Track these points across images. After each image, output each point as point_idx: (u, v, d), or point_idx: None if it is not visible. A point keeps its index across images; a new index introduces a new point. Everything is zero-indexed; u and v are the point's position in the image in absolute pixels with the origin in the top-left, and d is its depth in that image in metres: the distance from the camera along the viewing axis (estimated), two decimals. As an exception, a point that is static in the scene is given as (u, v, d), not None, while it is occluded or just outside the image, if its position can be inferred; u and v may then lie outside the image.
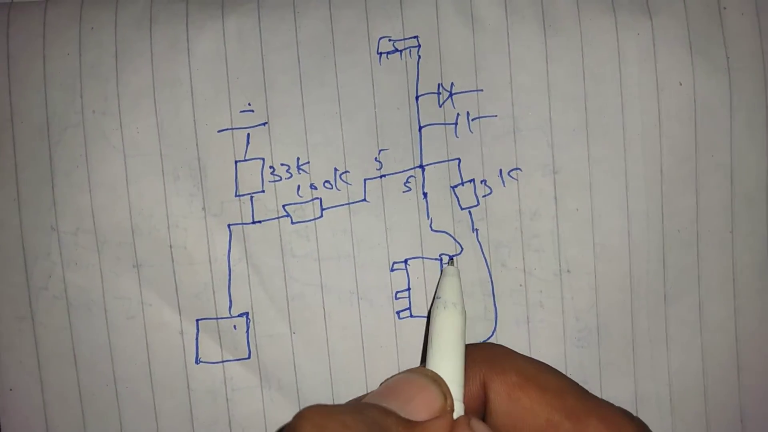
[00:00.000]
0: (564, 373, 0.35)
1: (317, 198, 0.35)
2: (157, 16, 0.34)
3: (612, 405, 0.25)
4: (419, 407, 0.23)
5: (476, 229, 0.35)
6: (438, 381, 0.24)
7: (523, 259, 0.35)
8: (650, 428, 0.25)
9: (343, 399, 0.35)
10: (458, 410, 0.25)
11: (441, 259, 0.35)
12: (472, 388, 0.26)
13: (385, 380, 0.25)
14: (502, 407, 0.25)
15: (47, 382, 0.35)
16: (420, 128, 0.35)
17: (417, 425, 0.22)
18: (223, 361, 0.35)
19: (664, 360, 0.35)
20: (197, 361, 0.35)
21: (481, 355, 0.26)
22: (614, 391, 0.35)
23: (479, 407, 0.26)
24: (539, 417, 0.24)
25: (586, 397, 0.25)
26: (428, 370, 0.25)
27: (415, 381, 0.24)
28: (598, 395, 0.34)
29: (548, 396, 0.25)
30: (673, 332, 0.35)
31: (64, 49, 0.34)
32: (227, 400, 0.35)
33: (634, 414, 0.26)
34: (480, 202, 0.35)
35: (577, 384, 0.26)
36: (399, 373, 0.25)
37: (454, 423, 0.23)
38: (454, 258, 0.35)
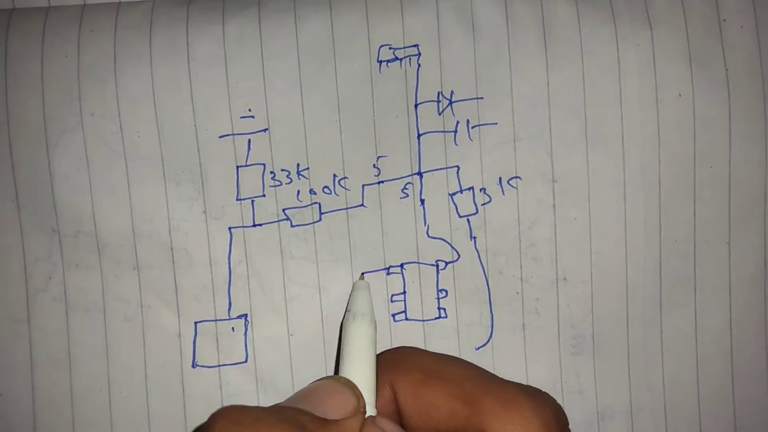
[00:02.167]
0: (558, 379, 0.35)
1: (316, 203, 0.35)
2: (157, 19, 0.35)
3: (514, 383, 0.25)
4: (333, 408, 0.23)
5: (474, 237, 0.35)
6: (350, 385, 0.25)
7: (521, 267, 0.35)
8: (556, 402, 0.25)
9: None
10: (370, 414, 0.25)
11: (437, 265, 0.35)
12: (384, 394, 0.26)
13: (304, 387, 0.25)
14: (409, 406, 0.25)
15: (38, 387, 0.35)
16: (419, 136, 0.35)
17: (330, 423, 0.22)
18: (219, 365, 0.35)
19: (658, 369, 0.35)
20: (194, 365, 0.35)
21: (388, 360, 0.27)
22: (609, 399, 0.35)
23: (393, 412, 0.26)
24: (441, 408, 0.25)
25: (487, 381, 0.25)
26: (341, 376, 0.26)
27: (329, 385, 0.25)
28: (593, 404, 0.35)
29: (448, 386, 0.25)
30: (668, 342, 0.35)
31: (63, 51, 0.34)
32: (223, 405, 0.35)
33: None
34: (479, 210, 0.35)
35: (485, 371, 0.26)
36: (315, 381, 0.25)
37: (364, 421, 0.24)
38: (366, 275, 0.35)
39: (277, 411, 0.22)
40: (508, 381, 0.25)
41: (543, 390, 0.25)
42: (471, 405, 0.24)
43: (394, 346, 0.28)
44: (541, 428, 0.23)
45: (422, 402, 0.25)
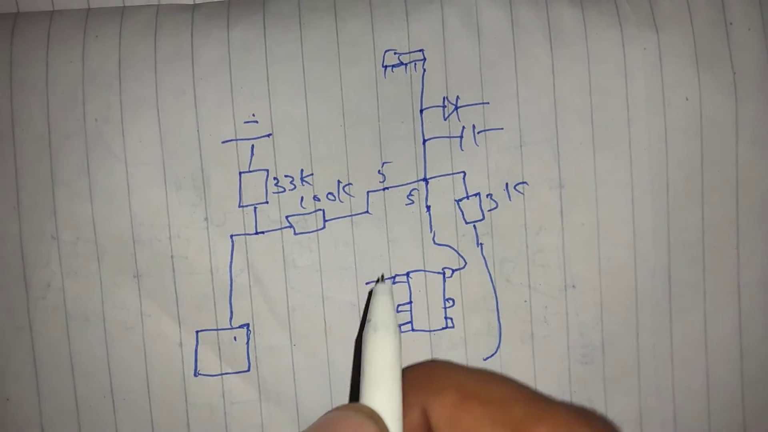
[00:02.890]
0: (567, 389, 0.34)
1: (320, 209, 0.34)
2: (162, 25, 0.34)
3: (567, 406, 0.23)
4: None
5: (481, 244, 0.35)
6: (374, 417, 0.22)
7: (528, 274, 0.35)
8: (613, 425, 0.22)
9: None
10: None
11: (444, 273, 0.35)
12: (413, 418, 0.23)
13: (320, 417, 0.23)
14: None
15: (44, 393, 0.34)
16: (424, 141, 0.35)
17: None
18: (222, 374, 0.34)
19: (668, 377, 0.35)
20: (196, 373, 0.34)
21: (417, 378, 0.24)
22: (618, 407, 0.35)
23: None
24: None
25: (536, 403, 0.22)
26: (363, 405, 0.23)
27: (350, 419, 0.22)
28: (603, 412, 0.34)
29: (491, 410, 0.22)
30: (677, 349, 0.35)
31: (67, 57, 0.34)
32: (225, 413, 0.34)
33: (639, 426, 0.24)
34: (485, 216, 0.35)
35: (529, 389, 0.23)
36: (332, 410, 0.23)
37: None
38: (387, 279, 0.33)
39: None
40: (557, 402, 0.23)
41: (596, 412, 0.23)
42: None
43: (423, 360, 0.25)
44: None
45: (461, 428, 0.22)
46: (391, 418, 0.22)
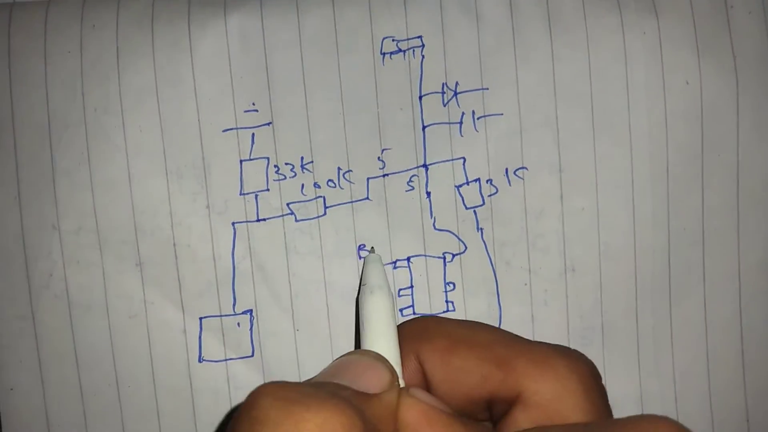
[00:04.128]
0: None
1: (321, 196, 0.35)
2: (158, 14, 0.34)
3: (544, 343, 0.25)
4: (369, 383, 0.22)
5: (481, 228, 0.35)
6: (381, 358, 0.24)
7: (528, 258, 0.35)
8: (588, 359, 0.25)
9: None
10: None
11: (444, 257, 0.35)
12: (409, 365, 0.26)
13: (330, 363, 0.25)
14: (437, 375, 0.25)
15: (48, 382, 0.34)
16: (423, 128, 0.35)
17: (372, 397, 0.22)
18: (226, 360, 0.35)
19: (668, 359, 0.35)
20: (200, 359, 0.35)
21: (411, 330, 0.26)
22: (619, 390, 0.35)
23: (420, 382, 0.26)
24: (472, 374, 0.24)
25: (517, 343, 0.25)
26: (369, 350, 0.25)
27: (362, 360, 0.24)
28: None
29: (477, 351, 0.24)
30: (677, 331, 0.35)
31: (66, 48, 0.34)
32: (230, 398, 0.35)
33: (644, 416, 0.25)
34: (485, 201, 0.35)
35: (511, 333, 0.26)
36: (341, 356, 0.25)
37: (400, 393, 0.23)
38: (376, 251, 0.34)
39: (320, 386, 0.22)
40: (538, 342, 0.25)
41: (573, 348, 0.25)
42: (504, 367, 0.24)
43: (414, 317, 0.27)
44: (577, 384, 0.23)
45: (451, 369, 0.25)
46: (391, 362, 0.24)
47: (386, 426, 0.22)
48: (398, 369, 0.25)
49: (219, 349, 0.35)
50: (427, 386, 0.25)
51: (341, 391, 0.21)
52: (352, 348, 0.35)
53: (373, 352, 0.25)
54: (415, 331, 0.26)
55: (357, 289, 0.35)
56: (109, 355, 0.34)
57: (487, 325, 0.26)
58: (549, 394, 0.23)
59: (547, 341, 0.34)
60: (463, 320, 0.27)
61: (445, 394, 0.25)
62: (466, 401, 0.25)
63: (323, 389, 0.21)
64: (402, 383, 0.25)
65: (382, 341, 0.26)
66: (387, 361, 0.24)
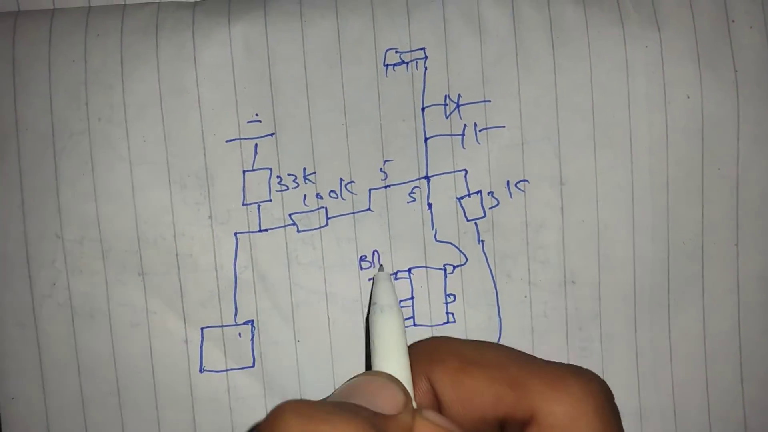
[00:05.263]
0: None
1: (323, 207, 0.35)
2: (163, 23, 0.34)
3: (557, 363, 0.25)
4: (384, 404, 0.23)
5: (482, 240, 0.35)
6: (394, 380, 0.24)
7: (528, 270, 0.35)
8: (601, 379, 0.25)
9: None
10: None
11: (445, 269, 0.35)
12: (421, 386, 0.26)
13: (345, 382, 0.25)
14: (449, 396, 0.25)
15: (50, 391, 0.35)
16: (426, 139, 0.35)
17: (389, 418, 0.22)
18: (227, 370, 0.35)
19: (667, 371, 0.35)
20: (201, 369, 0.35)
21: (422, 351, 0.27)
22: (618, 400, 0.35)
23: (432, 403, 0.26)
24: (485, 394, 0.24)
25: (530, 363, 0.25)
26: (382, 372, 0.25)
27: (375, 380, 0.24)
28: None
29: (490, 371, 0.25)
30: (676, 343, 0.35)
31: (70, 56, 0.34)
32: (230, 409, 0.35)
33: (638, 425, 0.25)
34: (486, 213, 0.35)
35: (523, 353, 0.26)
36: (357, 375, 0.25)
37: (413, 415, 0.23)
38: (388, 271, 0.35)
39: (341, 405, 0.22)
40: (550, 361, 0.25)
41: (585, 368, 0.25)
42: (517, 388, 0.24)
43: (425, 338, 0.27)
44: (591, 405, 0.23)
45: (463, 390, 0.25)
46: (403, 382, 0.25)
47: None
48: (410, 389, 0.25)
49: (220, 359, 0.35)
50: (438, 407, 0.25)
51: (362, 411, 0.21)
52: (352, 358, 0.35)
53: (386, 373, 0.25)
54: (426, 352, 0.26)
55: (358, 300, 0.35)
56: (110, 365, 0.34)
57: (497, 344, 0.27)
58: (563, 415, 0.23)
59: (547, 352, 0.35)
60: (473, 340, 0.27)
61: (458, 415, 0.25)
62: (478, 422, 0.25)
63: (345, 408, 0.21)
64: (414, 404, 0.25)
65: (394, 361, 0.26)
66: (400, 383, 0.24)
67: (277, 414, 0.20)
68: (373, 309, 0.28)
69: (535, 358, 0.25)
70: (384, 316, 0.27)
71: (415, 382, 0.26)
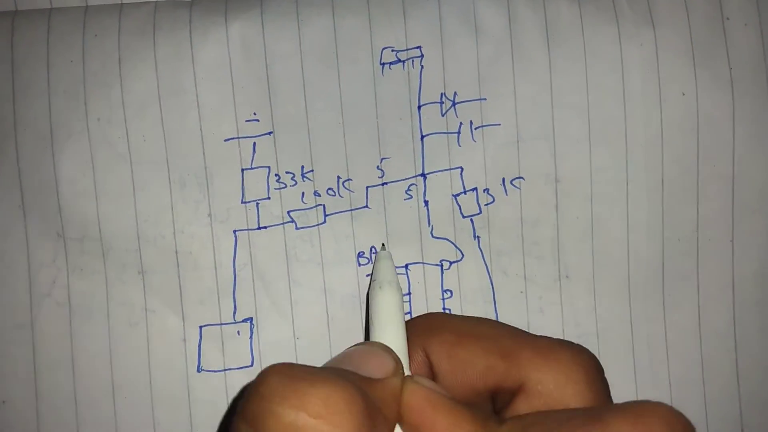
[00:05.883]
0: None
1: (321, 205, 0.35)
2: (160, 23, 0.34)
3: (548, 337, 0.25)
4: (374, 369, 0.23)
5: (478, 237, 0.35)
6: (386, 348, 0.25)
7: (524, 266, 0.35)
8: (591, 351, 0.25)
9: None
10: None
11: (442, 265, 0.35)
12: (416, 358, 0.26)
13: (339, 354, 0.25)
14: (443, 367, 0.26)
15: (42, 393, 0.34)
16: (422, 137, 0.35)
17: (375, 381, 0.22)
18: (225, 370, 0.35)
19: (664, 367, 0.36)
20: (199, 369, 0.35)
21: (419, 325, 0.27)
22: (614, 397, 0.35)
23: (427, 374, 0.26)
24: (477, 365, 0.25)
25: (522, 335, 0.25)
26: (375, 341, 0.26)
27: (368, 349, 0.25)
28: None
29: (483, 343, 0.25)
30: (672, 340, 0.36)
31: (68, 57, 0.34)
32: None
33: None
34: (482, 210, 0.35)
35: (516, 328, 0.26)
36: (349, 347, 0.25)
37: (404, 379, 0.23)
38: (386, 246, 0.35)
39: (327, 369, 0.22)
40: (542, 335, 0.26)
41: (577, 343, 0.25)
42: (508, 358, 0.24)
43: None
44: (581, 374, 0.24)
45: (457, 361, 0.25)
46: (398, 353, 0.25)
47: (389, 409, 0.22)
48: (405, 360, 0.26)
49: (218, 358, 0.35)
50: (433, 378, 0.26)
51: (347, 374, 0.22)
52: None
53: (380, 343, 0.26)
54: (423, 326, 0.27)
55: (356, 296, 0.35)
56: (106, 364, 0.34)
57: (493, 320, 0.28)
58: (552, 383, 0.24)
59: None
60: (470, 316, 0.28)
61: (451, 385, 0.25)
62: (470, 392, 0.25)
63: (330, 371, 0.22)
64: (408, 373, 0.25)
65: (390, 333, 0.26)
66: (392, 351, 0.25)
67: (263, 374, 0.21)
68: (372, 285, 0.28)
69: (528, 332, 0.26)
70: (383, 292, 0.28)
71: (411, 354, 0.26)
